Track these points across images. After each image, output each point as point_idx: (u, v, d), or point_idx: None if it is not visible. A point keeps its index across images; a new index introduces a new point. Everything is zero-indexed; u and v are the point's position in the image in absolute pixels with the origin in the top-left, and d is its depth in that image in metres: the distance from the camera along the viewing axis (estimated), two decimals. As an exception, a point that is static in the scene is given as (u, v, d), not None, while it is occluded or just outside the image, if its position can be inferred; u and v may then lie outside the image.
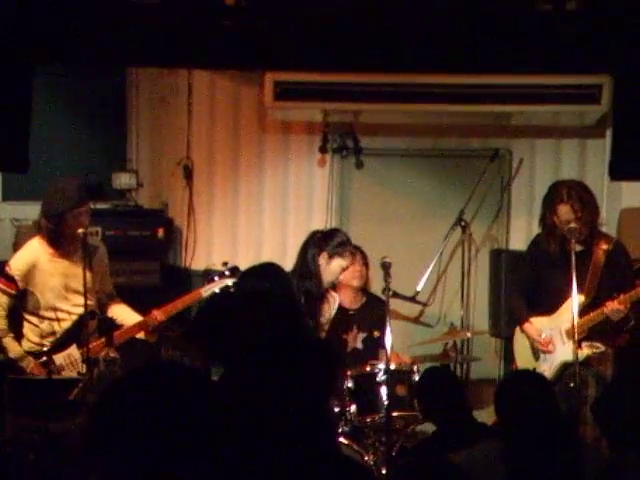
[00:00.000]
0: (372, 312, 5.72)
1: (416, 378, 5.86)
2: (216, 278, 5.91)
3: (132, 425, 2.20)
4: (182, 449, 2.20)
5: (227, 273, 5.89)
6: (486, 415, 6.15)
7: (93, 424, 2.30)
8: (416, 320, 6.99)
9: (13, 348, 5.67)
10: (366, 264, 6.43)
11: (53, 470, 4.67)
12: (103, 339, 5.53)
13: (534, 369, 5.83)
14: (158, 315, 5.82)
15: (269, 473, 3.01)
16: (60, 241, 5.67)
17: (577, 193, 5.87)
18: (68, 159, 7.51)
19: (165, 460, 2.19)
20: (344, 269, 6.00)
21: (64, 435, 4.77)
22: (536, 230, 6.64)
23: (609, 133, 6.99)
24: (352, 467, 3.24)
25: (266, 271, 4.71)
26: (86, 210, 5.71)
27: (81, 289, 5.57)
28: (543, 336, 5.96)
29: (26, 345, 5.74)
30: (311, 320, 5.94)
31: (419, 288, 7.01)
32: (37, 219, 5.87)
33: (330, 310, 6.11)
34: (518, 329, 6.17)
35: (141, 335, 5.88)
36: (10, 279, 5.69)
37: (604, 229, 6.39)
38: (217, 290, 5.83)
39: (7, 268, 5.73)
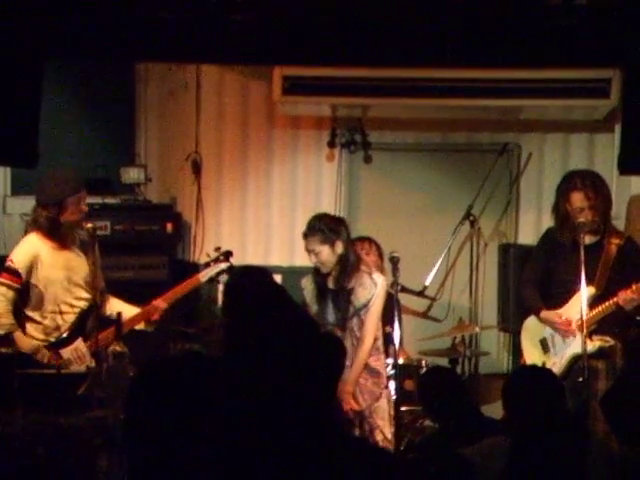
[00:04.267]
0: (386, 308, 5.74)
1: (424, 373, 5.86)
2: (211, 264, 5.98)
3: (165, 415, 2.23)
4: (200, 440, 2.23)
5: (221, 258, 5.98)
6: (494, 410, 6.14)
7: (130, 412, 2.33)
8: (424, 315, 6.99)
9: (26, 342, 5.53)
10: (380, 255, 6.42)
11: (63, 464, 4.69)
12: (108, 331, 5.49)
13: (543, 363, 5.81)
14: (159, 303, 5.83)
15: (275, 467, 3.02)
16: (59, 231, 5.59)
17: (591, 181, 5.85)
18: (77, 154, 7.52)
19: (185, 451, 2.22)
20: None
21: (74, 429, 4.78)
22: (545, 224, 6.61)
23: (618, 127, 6.97)
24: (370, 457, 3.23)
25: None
26: (84, 196, 5.63)
27: (82, 282, 5.60)
28: (563, 318, 5.88)
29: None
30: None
31: (427, 283, 7.01)
32: (31, 214, 5.72)
33: None
34: (526, 322, 6.13)
35: (140, 326, 5.87)
36: (14, 273, 5.54)
37: (615, 222, 6.35)
38: (214, 274, 5.95)
39: (9, 262, 5.59)
